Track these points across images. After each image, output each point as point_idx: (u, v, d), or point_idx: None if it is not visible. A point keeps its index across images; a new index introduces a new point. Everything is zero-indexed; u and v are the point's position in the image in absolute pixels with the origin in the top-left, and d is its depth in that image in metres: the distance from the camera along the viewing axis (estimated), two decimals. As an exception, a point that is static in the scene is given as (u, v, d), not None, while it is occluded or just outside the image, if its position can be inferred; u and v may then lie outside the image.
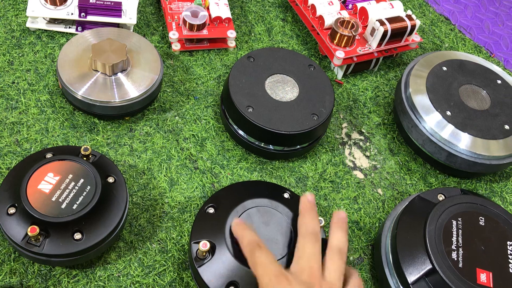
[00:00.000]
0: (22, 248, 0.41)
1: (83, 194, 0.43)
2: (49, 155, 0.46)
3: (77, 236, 0.42)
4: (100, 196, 0.43)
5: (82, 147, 0.46)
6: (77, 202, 0.43)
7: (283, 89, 0.55)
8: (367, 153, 0.59)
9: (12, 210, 0.42)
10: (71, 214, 0.42)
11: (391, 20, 0.62)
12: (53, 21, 0.61)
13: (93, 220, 0.43)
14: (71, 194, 0.43)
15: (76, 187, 0.43)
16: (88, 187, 0.44)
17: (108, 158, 0.48)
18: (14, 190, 0.43)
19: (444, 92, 0.58)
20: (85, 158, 0.46)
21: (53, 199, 0.42)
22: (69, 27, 0.61)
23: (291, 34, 0.69)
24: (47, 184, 0.43)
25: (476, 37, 0.76)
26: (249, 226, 0.43)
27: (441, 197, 0.50)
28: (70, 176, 0.44)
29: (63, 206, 0.42)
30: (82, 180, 0.44)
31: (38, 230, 0.40)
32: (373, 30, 0.62)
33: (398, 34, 0.63)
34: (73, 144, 0.52)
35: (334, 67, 0.66)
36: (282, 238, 0.44)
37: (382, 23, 0.62)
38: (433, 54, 0.62)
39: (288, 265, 0.42)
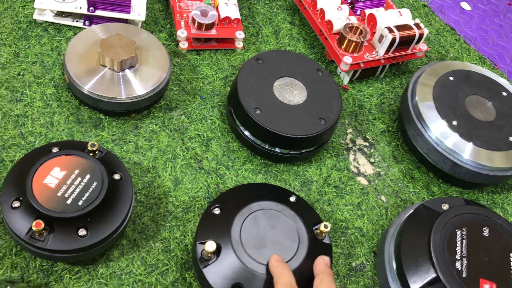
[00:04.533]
0: (25, 242, 0.41)
1: (89, 190, 0.43)
2: (55, 150, 0.45)
3: (82, 232, 0.42)
4: (106, 192, 0.43)
5: (89, 143, 0.45)
6: (83, 198, 0.42)
7: (291, 92, 0.55)
8: (371, 160, 0.59)
9: (16, 204, 0.42)
10: (76, 210, 0.41)
11: (400, 28, 0.62)
12: (60, 14, 0.60)
13: (99, 216, 0.43)
14: (77, 190, 0.43)
15: (82, 183, 0.43)
16: (95, 183, 0.43)
17: (114, 154, 0.47)
18: (19, 183, 0.43)
19: (450, 102, 0.58)
20: (91, 154, 0.45)
21: (59, 194, 0.42)
22: (77, 21, 0.60)
23: (298, 37, 0.69)
24: (53, 179, 0.43)
25: (481, 48, 0.77)
26: (286, 265, 0.42)
27: (445, 207, 0.50)
28: (77, 171, 0.44)
29: (69, 201, 0.42)
30: (88, 176, 0.44)
31: (43, 225, 0.40)
32: (381, 37, 0.63)
33: (406, 42, 0.63)
34: (78, 139, 0.52)
35: (340, 72, 0.66)
36: (288, 242, 0.44)
37: (390, 30, 0.62)
38: (439, 64, 0.62)
39: (293, 268, 0.42)
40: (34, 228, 0.40)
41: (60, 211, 0.41)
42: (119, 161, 0.47)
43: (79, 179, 0.43)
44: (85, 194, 0.43)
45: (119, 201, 0.44)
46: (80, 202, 0.42)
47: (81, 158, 0.44)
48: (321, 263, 0.43)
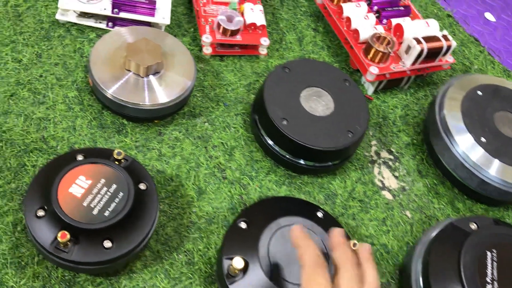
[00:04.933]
0: (49, 253, 0.40)
1: (115, 201, 0.42)
2: (80, 157, 0.44)
3: (107, 244, 0.41)
4: (132, 203, 0.42)
5: (115, 151, 0.44)
6: (109, 209, 0.41)
7: (318, 103, 0.54)
8: (396, 174, 0.58)
9: (41, 213, 0.41)
10: (103, 221, 0.40)
11: (428, 39, 0.61)
12: (83, 14, 0.59)
13: (124, 228, 0.42)
14: (104, 200, 0.41)
15: (109, 193, 0.42)
16: (121, 194, 0.42)
17: (139, 163, 0.46)
18: (43, 192, 0.42)
19: (479, 117, 0.57)
20: (117, 162, 0.44)
21: (85, 204, 0.41)
22: (100, 22, 0.59)
23: (322, 45, 0.68)
24: (79, 188, 0.42)
25: (505, 60, 0.76)
26: (309, 236, 0.40)
27: (473, 226, 0.49)
28: (103, 180, 0.42)
29: (95, 212, 0.41)
30: (114, 186, 0.42)
31: (68, 236, 0.39)
32: (408, 48, 0.61)
33: (433, 54, 0.62)
34: (101, 145, 0.51)
35: (365, 82, 0.64)
36: (316, 260, 0.43)
37: (418, 41, 0.60)
38: (467, 77, 0.61)
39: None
40: (59, 239, 0.39)
41: (86, 222, 0.40)
42: (144, 170, 0.46)
43: (105, 188, 0.42)
44: (111, 204, 0.42)
45: (144, 212, 0.43)
46: (107, 213, 0.41)
47: (107, 167, 0.43)
48: (335, 235, 0.41)
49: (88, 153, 0.45)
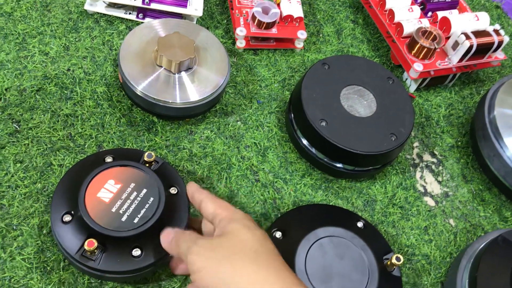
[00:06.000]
0: (75, 260, 0.38)
1: (146, 207, 0.40)
2: (108, 159, 0.42)
3: (136, 252, 0.38)
4: (163, 209, 0.40)
5: (146, 153, 0.42)
6: (139, 215, 0.39)
7: (359, 102, 0.50)
8: (439, 178, 0.54)
9: (67, 218, 0.39)
10: (132, 229, 0.38)
11: (477, 34, 0.57)
12: (112, 5, 0.56)
13: (154, 235, 0.39)
14: (133, 206, 0.39)
15: (138, 198, 0.40)
16: (151, 199, 0.40)
17: (171, 165, 0.44)
18: (70, 195, 0.40)
19: (533, 120, 0.52)
20: (147, 165, 0.42)
21: (113, 210, 0.39)
22: (130, 13, 0.57)
23: (362, 38, 0.64)
24: (107, 193, 0.39)
25: (557, 56, 0.70)
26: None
27: (525, 239, 0.46)
28: (132, 185, 0.40)
29: (124, 218, 0.39)
30: (144, 190, 0.40)
31: (96, 244, 0.37)
32: (456, 44, 0.57)
33: (483, 50, 0.57)
34: (130, 144, 0.49)
35: (407, 79, 0.61)
36: (357, 275, 0.40)
37: (467, 36, 0.56)
38: (519, 76, 0.57)
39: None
40: (86, 248, 0.37)
41: (114, 229, 0.38)
42: (176, 173, 0.43)
43: (135, 193, 0.40)
44: (141, 210, 0.39)
45: (175, 218, 0.41)
46: (136, 220, 0.39)
47: (137, 170, 0.41)
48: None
49: (118, 155, 0.43)
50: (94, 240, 0.37)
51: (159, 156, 0.48)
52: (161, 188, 0.41)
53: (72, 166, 0.42)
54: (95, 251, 0.38)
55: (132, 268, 0.38)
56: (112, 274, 0.38)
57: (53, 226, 0.39)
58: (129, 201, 0.39)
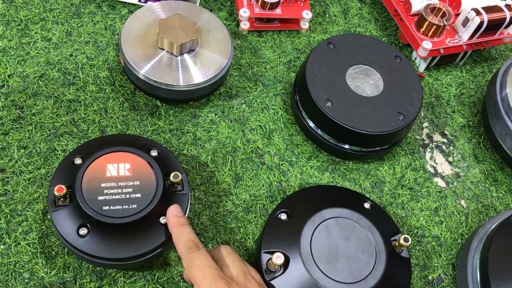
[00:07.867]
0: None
1: (138, 196, 0.39)
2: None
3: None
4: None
5: (172, 174, 0.40)
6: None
7: (366, 82, 0.49)
8: (450, 159, 0.53)
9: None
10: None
11: (488, 9, 0.55)
12: (114, -11, 0.56)
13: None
14: (126, 196, 0.39)
15: (134, 190, 0.39)
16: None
17: (174, 157, 0.43)
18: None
19: (546, 97, 0.51)
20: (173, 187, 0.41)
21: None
22: (132, -3, 0.56)
23: (369, 17, 0.62)
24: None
25: None
26: (185, 219, 0.38)
27: (539, 219, 0.44)
28: (129, 173, 0.40)
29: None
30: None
31: (65, 190, 0.37)
32: (466, 20, 0.56)
33: (494, 26, 0.56)
34: (133, 129, 0.48)
35: (416, 58, 0.59)
36: (364, 256, 0.39)
37: (477, 12, 0.55)
38: (533, 52, 0.55)
39: (371, 287, 0.38)
40: (56, 193, 0.37)
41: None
42: (175, 160, 0.42)
43: (131, 183, 0.39)
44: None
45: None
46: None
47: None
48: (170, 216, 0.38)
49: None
50: (63, 186, 0.37)
51: (162, 140, 0.47)
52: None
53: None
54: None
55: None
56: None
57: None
58: (126, 190, 0.39)
